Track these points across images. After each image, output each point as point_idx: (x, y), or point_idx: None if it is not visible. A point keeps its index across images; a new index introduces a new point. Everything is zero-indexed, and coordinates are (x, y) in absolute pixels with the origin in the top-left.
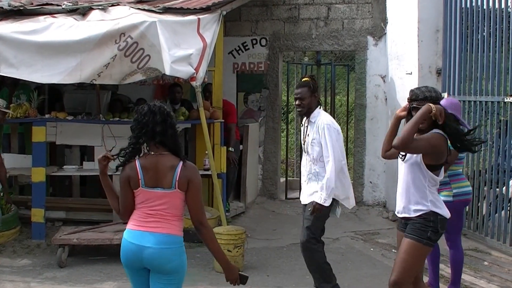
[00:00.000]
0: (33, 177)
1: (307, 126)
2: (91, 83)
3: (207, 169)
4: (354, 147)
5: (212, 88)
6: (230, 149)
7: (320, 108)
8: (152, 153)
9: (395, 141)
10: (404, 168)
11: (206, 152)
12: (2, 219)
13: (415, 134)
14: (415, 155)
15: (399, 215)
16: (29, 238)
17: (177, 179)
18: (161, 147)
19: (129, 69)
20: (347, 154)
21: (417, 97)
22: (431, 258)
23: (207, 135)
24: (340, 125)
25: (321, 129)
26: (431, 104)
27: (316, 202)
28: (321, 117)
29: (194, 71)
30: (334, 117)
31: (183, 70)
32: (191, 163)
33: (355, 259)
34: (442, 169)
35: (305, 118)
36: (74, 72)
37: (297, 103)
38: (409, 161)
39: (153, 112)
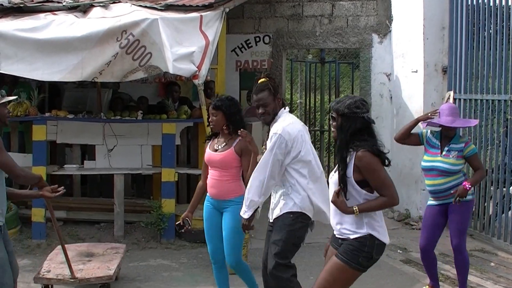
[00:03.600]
0: None
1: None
2: (92, 81)
3: None
4: None
5: (214, 85)
6: None
7: (285, 109)
8: None
9: None
10: (332, 184)
11: None
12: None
13: None
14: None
15: (335, 232)
16: (29, 238)
17: None
18: None
19: (131, 67)
20: None
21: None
22: (426, 264)
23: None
24: None
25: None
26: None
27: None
28: (276, 124)
29: (197, 69)
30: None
31: (185, 68)
32: None
33: None
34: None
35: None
36: (76, 70)
37: (260, 111)
38: (334, 178)
39: None
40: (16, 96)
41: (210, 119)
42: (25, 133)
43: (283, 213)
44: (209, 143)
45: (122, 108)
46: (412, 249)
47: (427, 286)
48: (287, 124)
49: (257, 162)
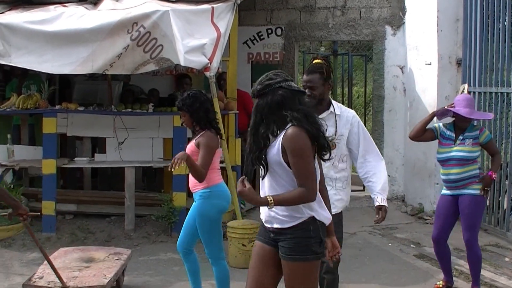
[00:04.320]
0: (43, 169)
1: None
2: (103, 73)
3: (221, 162)
4: None
5: (227, 76)
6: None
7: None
8: None
9: None
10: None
11: None
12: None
13: None
14: (274, 153)
15: (266, 225)
16: (39, 231)
17: None
18: None
19: (142, 59)
20: None
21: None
22: (439, 257)
23: (221, 126)
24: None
25: (355, 124)
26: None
27: (386, 207)
28: (347, 109)
29: (208, 61)
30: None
31: (197, 60)
32: None
33: (372, 254)
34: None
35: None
36: (86, 63)
37: (307, 93)
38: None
39: None
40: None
41: (181, 120)
42: (36, 125)
43: (342, 211)
44: None
45: (133, 100)
46: (426, 244)
47: (441, 282)
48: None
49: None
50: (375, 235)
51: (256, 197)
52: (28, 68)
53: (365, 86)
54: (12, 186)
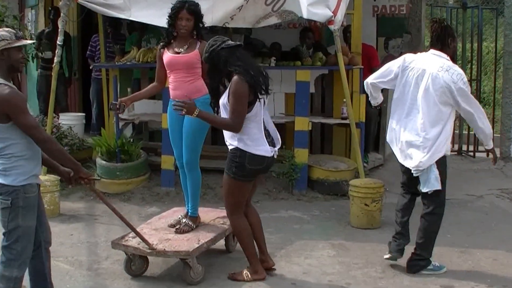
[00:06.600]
0: (163, 123)
1: None
2: (223, 26)
3: (345, 118)
4: (502, 98)
5: (351, 30)
6: None
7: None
8: None
9: None
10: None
11: (344, 100)
12: (131, 166)
13: None
14: (223, 98)
15: None
16: (158, 186)
17: None
18: None
19: (263, 12)
20: (494, 105)
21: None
22: None
23: (345, 82)
24: (487, 74)
25: None
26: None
27: None
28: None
29: (332, 14)
30: (480, 65)
31: (321, 13)
32: None
33: (499, 218)
34: (256, 105)
35: None
36: (206, 15)
37: None
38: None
39: None
40: (34, 41)
41: (183, 24)
42: None
43: None
44: (165, 48)
45: (255, 54)
46: None
47: None
48: None
49: None
50: (503, 199)
51: (192, 108)
52: (148, 22)
53: (496, 41)
54: (131, 140)
